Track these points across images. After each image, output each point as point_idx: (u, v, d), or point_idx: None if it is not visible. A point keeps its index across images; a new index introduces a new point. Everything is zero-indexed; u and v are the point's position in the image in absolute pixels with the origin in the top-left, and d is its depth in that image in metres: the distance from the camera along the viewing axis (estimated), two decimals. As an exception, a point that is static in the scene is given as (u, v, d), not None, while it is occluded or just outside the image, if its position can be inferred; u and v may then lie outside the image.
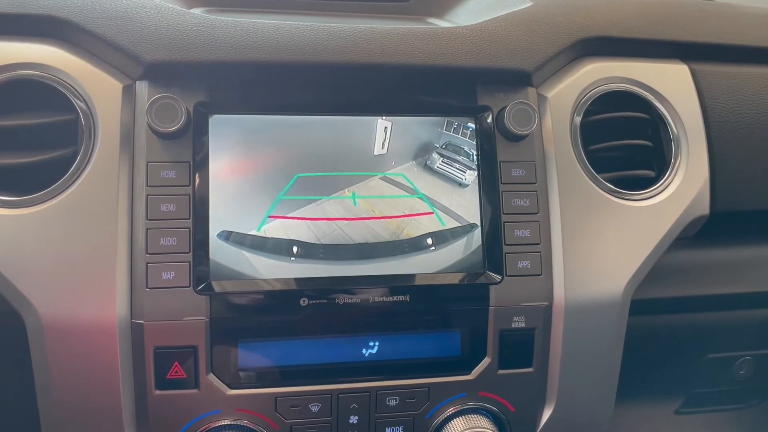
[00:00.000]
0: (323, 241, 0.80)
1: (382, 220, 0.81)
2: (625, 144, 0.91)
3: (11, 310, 0.75)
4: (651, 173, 0.92)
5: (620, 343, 0.90)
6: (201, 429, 0.78)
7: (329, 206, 0.81)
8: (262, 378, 0.80)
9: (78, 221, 0.75)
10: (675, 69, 0.95)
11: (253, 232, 0.79)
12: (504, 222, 0.83)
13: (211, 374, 0.78)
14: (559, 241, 0.85)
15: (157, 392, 0.77)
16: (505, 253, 0.83)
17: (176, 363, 0.76)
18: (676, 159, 0.92)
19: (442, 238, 0.83)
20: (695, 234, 0.96)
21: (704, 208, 0.92)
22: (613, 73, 0.92)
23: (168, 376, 0.77)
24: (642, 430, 1.16)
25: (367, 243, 0.80)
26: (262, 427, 0.80)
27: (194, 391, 0.78)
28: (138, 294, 0.75)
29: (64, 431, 0.78)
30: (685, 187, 0.91)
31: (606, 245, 0.87)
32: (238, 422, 0.79)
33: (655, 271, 0.92)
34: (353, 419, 0.82)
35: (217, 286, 0.77)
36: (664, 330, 0.96)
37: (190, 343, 0.76)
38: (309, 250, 0.80)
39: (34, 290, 0.74)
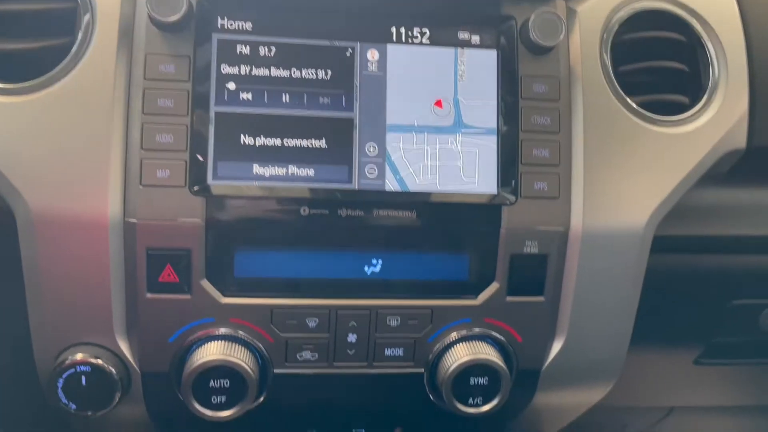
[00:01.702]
0: None
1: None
2: (658, 66, 0.85)
3: (1, 203, 0.73)
4: (684, 99, 0.85)
5: (639, 279, 0.84)
6: (193, 336, 0.76)
7: None
8: (259, 288, 0.76)
9: (72, 112, 0.72)
10: None
11: (256, 133, 0.75)
12: (522, 140, 0.78)
13: (205, 280, 0.75)
14: (580, 163, 0.80)
15: (149, 295, 0.74)
16: (521, 173, 0.78)
17: (169, 265, 0.74)
18: (713, 86, 0.85)
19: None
20: (728, 171, 0.90)
21: (740, 142, 0.86)
22: (651, -11, 0.85)
23: (160, 279, 0.74)
24: (658, 379, 1.12)
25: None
26: (256, 339, 0.77)
27: (187, 296, 0.75)
28: (131, 191, 0.72)
29: (54, 333, 0.76)
30: (721, 116, 0.85)
31: (631, 172, 0.82)
32: (232, 332, 0.76)
33: (682, 207, 0.87)
34: (352, 338, 0.79)
35: (213, 188, 0.73)
36: (687, 271, 0.91)
37: (183, 246, 0.73)
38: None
39: (24, 181, 0.72)
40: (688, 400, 1.23)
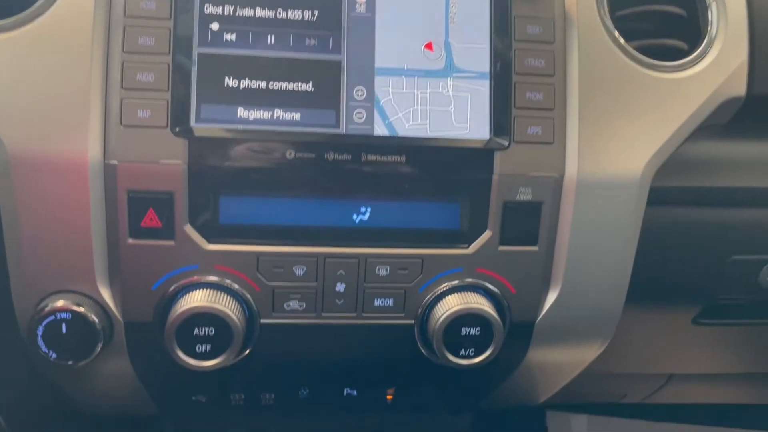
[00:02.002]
0: None
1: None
2: (656, 11, 0.82)
3: None
4: (683, 45, 0.83)
5: (636, 230, 0.82)
6: (177, 284, 0.74)
7: None
8: (245, 234, 0.74)
9: (50, 51, 0.70)
10: None
11: (241, 76, 0.72)
12: (515, 83, 0.76)
13: (189, 225, 0.73)
14: (576, 108, 0.78)
15: (131, 241, 0.72)
16: (514, 117, 0.76)
17: (151, 209, 0.71)
18: (711, 32, 0.83)
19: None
20: (727, 124, 0.87)
21: (740, 89, 0.83)
22: (649, -71, 0.83)
23: (142, 224, 0.72)
24: (657, 345, 1.10)
25: None
26: (242, 287, 0.75)
27: (170, 242, 0.73)
28: (111, 132, 0.70)
29: (34, 280, 0.74)
30: (720, 62, 0.82)
31: (627, 118, 0.79)
32: (217, 280, 0.74)
33: (680, 160, 0.85)
34: (340, 287, 0.77)
35: (196, 129, 0.71)
36: (684, 225, 0.88)
37: (166, 189, 0.71)
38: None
39: (1, 122, 0.69)
40: (687, 367, 1.21)
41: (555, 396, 1.04)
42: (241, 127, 0.72)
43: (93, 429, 1.02)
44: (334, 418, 1.08)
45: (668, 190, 0.85)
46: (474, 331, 0.76)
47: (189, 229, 0.73)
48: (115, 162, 0.70)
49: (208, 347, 0.72)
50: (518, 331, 0.82)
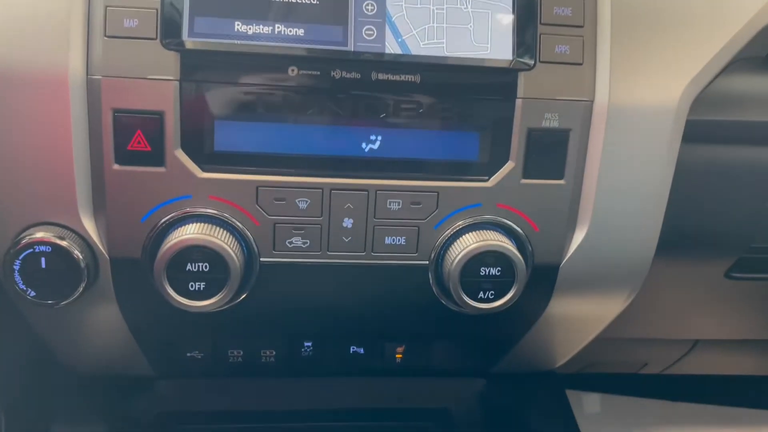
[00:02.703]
0: None
1: None
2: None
3: None
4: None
5: (671, 165, 0.75)
6: (167, 216, 0.67)
7: None
8: (242, 162, 0.68)
9: None
10: None
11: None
12: None
13: (180, 150, 0.66)
14: (608, 25, 0.70)
15: (116, 167, 0.65)
16: (540, 34, 0.69)
17: (139, 131, 0.65)
18: None
19: None
20: (766, 57, 0.80)
21: None
22: None
23: (129, 148, 0.65)
24: (680, 302, 1.02)
25: None
26: (240, 221, 0.68)
27: (160, 169, 0.66)
28: (95, 43, 0.63)
29: (11, 210, 0.67)
30: None
31: (663, 39, 0.72)
32: (212, 212, 0.67)
33: (717, 94, 0.78)
34: (347, 222, 0.70)
35: (189, 42, 0.64)
36: (721, 164, 0.81)
37: (155, 108, 0.64)
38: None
39: None
40: (714, 332, 1.14)
41: (571, 363, 0.98)
42: (238, 42, 0.65)
43: (87, 398, 0.97)
44: (337, 384, 1.02)
45: (704, 124, 0.78)
46: (494, 271, 0.70)
47: (180, 155, 0.66)
48: (98, 77, 0.63)
49: (202, 285, 0.66)
50: (541, 275, 0.75)
